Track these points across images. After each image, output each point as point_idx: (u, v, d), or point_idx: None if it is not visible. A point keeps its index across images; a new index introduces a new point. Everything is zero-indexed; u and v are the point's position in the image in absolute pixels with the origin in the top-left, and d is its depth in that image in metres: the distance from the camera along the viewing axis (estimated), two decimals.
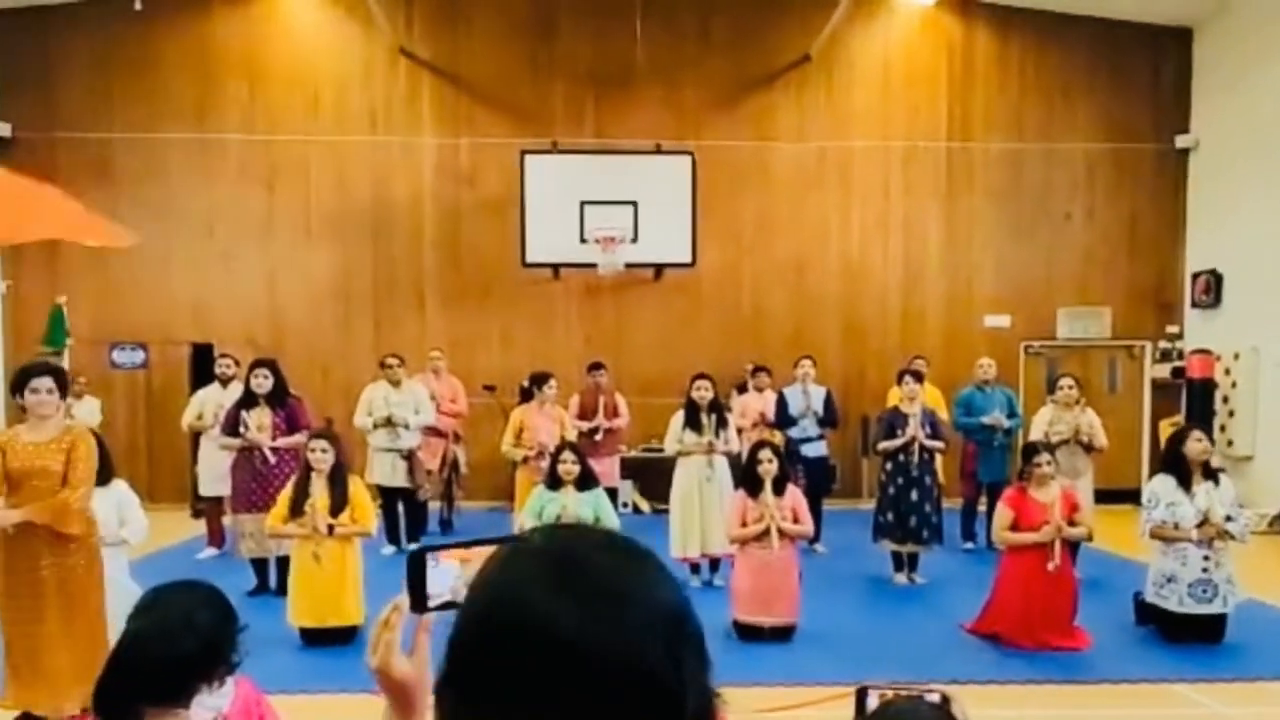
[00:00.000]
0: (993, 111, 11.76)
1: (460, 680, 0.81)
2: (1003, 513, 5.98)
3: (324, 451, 5.88)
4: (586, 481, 6.06)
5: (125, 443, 10.99)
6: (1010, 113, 11.77)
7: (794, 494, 6.16)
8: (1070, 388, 7.59)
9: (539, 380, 8.31)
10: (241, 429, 6.96)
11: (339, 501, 5.83)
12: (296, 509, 5.82)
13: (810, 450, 8.58)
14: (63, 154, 11.22)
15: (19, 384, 4.39)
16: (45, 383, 4.34)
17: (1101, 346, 11.62)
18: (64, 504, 4.26)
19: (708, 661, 0.84)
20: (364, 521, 5.92)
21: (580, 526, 0.92)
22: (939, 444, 7.37)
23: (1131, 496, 10.61)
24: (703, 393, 7.24)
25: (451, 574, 1.08)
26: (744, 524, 6.01)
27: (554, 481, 6.08)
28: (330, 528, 5.76)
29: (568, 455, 6.07)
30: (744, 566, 6.03)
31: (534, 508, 6.06)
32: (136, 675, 1.88)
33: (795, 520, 6.03)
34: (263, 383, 7.00)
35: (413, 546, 8.47)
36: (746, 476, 6.12)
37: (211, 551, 8.39)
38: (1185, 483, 5.83)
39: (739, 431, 7.78)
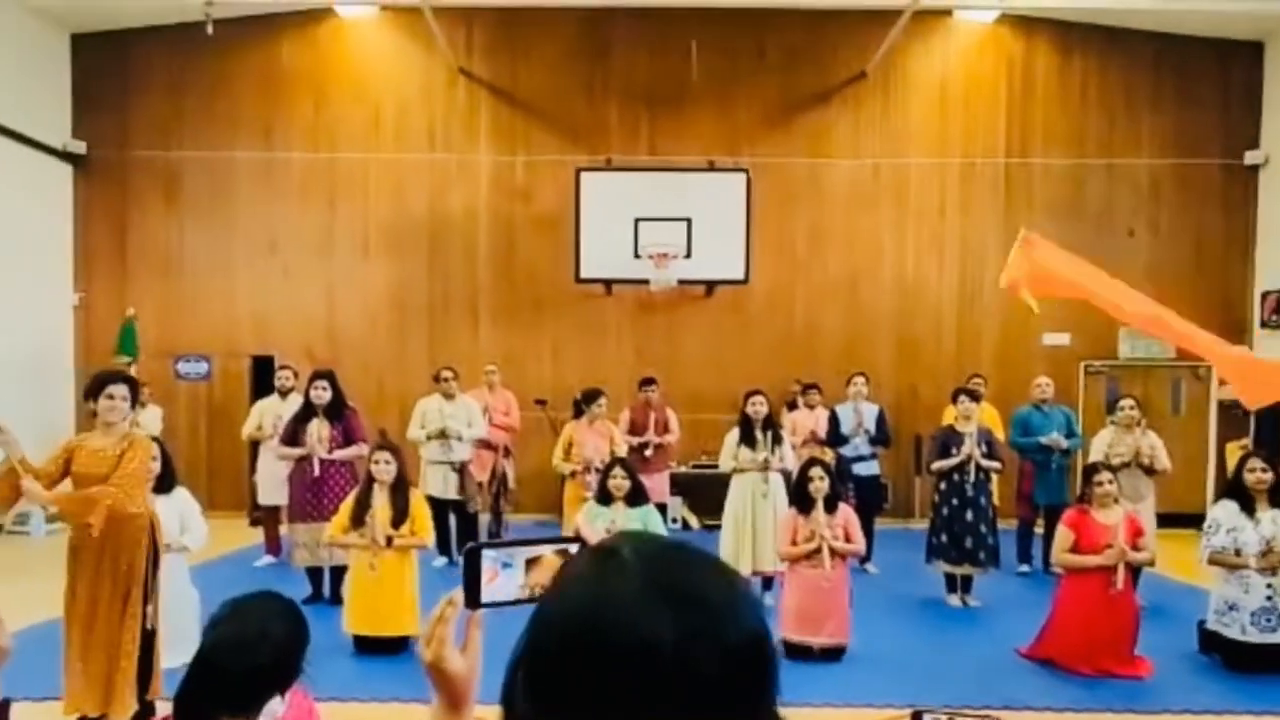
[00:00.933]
0: (1053, 127, 11.59)
1: (542, 690, 0.79)
2: (1063, 534, 5.86)
3: (387, 463, 5.98)
4: (637, 497, 6.07)
5: (187, 452, 11.29)
6: (1072, 128, 11.58)
7: (845, 512, 6.11)
8: (1131, 409, 7.42)
9: (589, 398, 8.38)
10: (304, 438, 7.09)
11: (400, 513, 5.92)
12: (358, 520, 5.92)
13: (862, 469, 8.51)
14: (134, 172, 11.61)
15: (94, 389, 4.56)
16: (120, 390, 4.49)
17: (1165, 366, 11.32)
18: (87, 495, 4.34)
19: (778, 683, 0.83)
20: (422, 534, 6.00)
21: (662, 537, 0.91)
22: (995, 464, 7.25)
23: (1195, 521, 10.25)
24: (758, 408, 7.21)
25: (511, 575, 1.10)
26: (794, 542, 5.98)
27: (604, 497, 6.10)
28: (389, 540, 5.85)
29: (618, 471, 6.09)
30: (794, 585, 5.99)
31: (584, 523, 6.09)
32: (214, 684, 1.94)
33: (847, 539, 5.98)
34: (321, 394, 7.13)
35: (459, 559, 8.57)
36: (797, 494, 6.10)
37: (269, 559, 8.56)
38: (1249, 508, 5.66)
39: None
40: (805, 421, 8.87)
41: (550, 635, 0.80)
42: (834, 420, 8.54)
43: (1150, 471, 7.29)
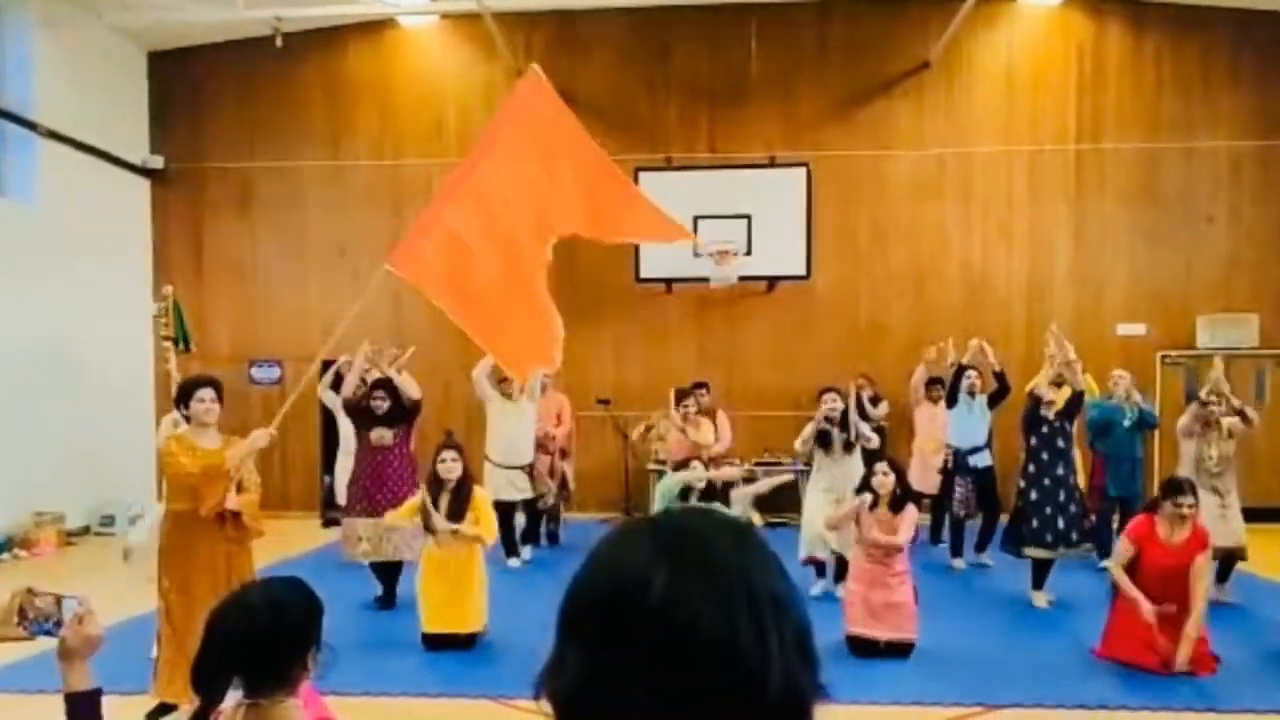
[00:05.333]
0: (1125, 110, 11.24)
1: (563, 628, 0.86)
2: (1125, 548, 5.66)
3: (454, 461, 6.08)
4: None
5: (261, 454, 11.57)
6: (1145, 111, 11.22)
7: (908, 514, 5.99)
8: (1216, 403, 7.09)
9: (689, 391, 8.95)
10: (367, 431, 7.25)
11: (459, 511, 6.00)
12: (429, 518, 6.03)
13: (978, 460, 8.37)
14: (210, 183, 11.99)
15: (184, 395, 4.91)
16: (208, 393, 4.85)
17: (1248, 355, 10.89)
18: (254, 503, 4.77)
19: (809, 654, 0.85)
20: (486, 528, 6.06)
21: (706, 508, 0.97)
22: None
23: None
24: (833, 406, 7.20)
25: None
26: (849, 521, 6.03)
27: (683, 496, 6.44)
28: (453, 530, 5.93)
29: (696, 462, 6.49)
30: (856, 576, 5.95)
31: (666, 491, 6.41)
32: (218, 647, 2.00)
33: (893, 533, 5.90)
34: (380, 404, 7.22)
35: (527, 553, 8.65)
36: (864, 489, 6.04)
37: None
38: None
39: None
40: (935, 418, 8.80)
41: (573, 581, 0.88)
42: (955, 377, 8.39)
43: (1245, 420, 6.97)
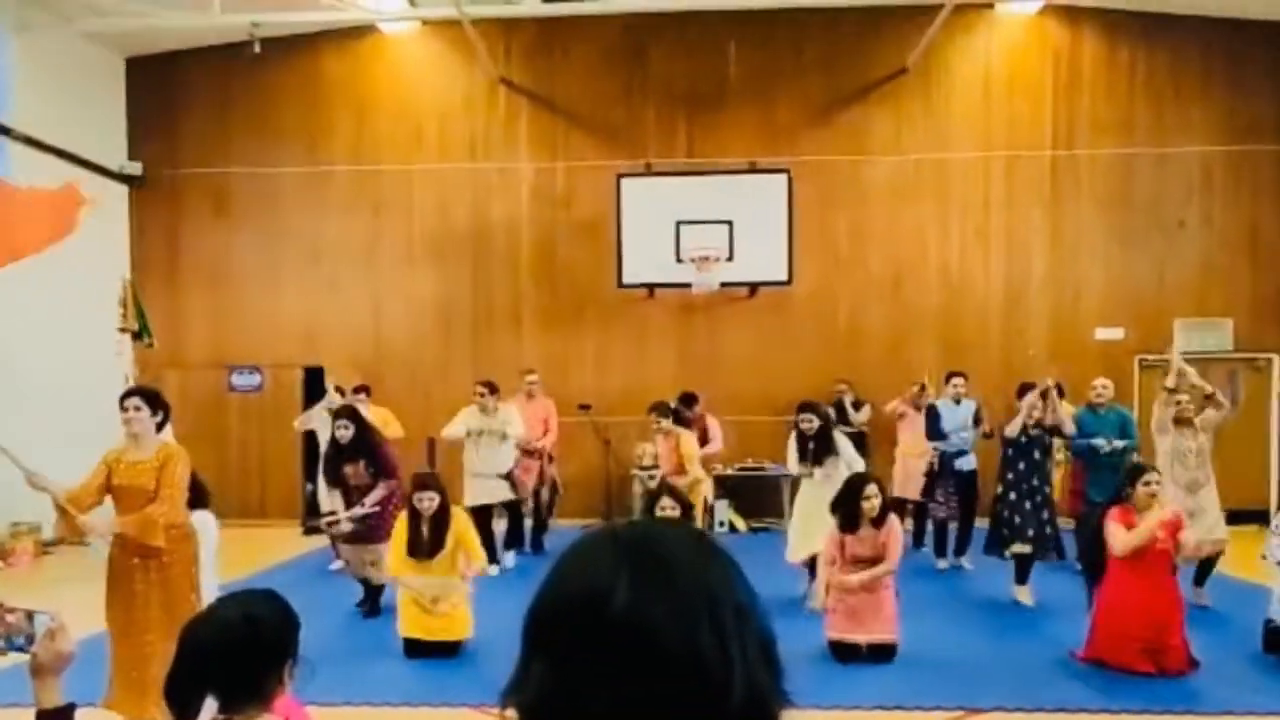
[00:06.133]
0: (1100, 116, 11.37)
1: (528, 640, 0.87)
2: (1116, 528, 5.73)
3: (431, 499, 6.06)
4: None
5: (239, 462, 11.54)
6: (1119, 117, 11.36)
7: (891, 525, 5.96)
8: (1186, 400, 7.20)
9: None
10: (344, 476, 7.03)
11: (438, 543, 6.00)
12: (411, 550, 6.00)
13: (963, 464, 8.54)
14: (186, 189, 11.89)
15: (120, 403, 4.71)
16: (133, 401, 4.65)
17: (1223, 359, 11.03)
18: (147, 517, 4.46)
19: (773, 662, 0.86)
20: (475, 559, 6.10)
21: (669, 520, 0.97)
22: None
23: (1257, 517, 10.06)
24: (809, 425, 7.10)
25: None
26: (832, 560, 5.94)
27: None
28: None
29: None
30: (841, 585, 5.94)
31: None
32: (191, 661, 1.98)
33: (885, 551, 5.88)
34: (344, 433, 6.94)
35: (510, 559, 8.62)
36: (846, 511, 5.95)
37: (340, 564, 8.61)
38: None
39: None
40: (918, 424, 8.88)
41: (538, 593, 0.89)
42: (933, 415, 8.58)
43: (1213, 402, 7.10)
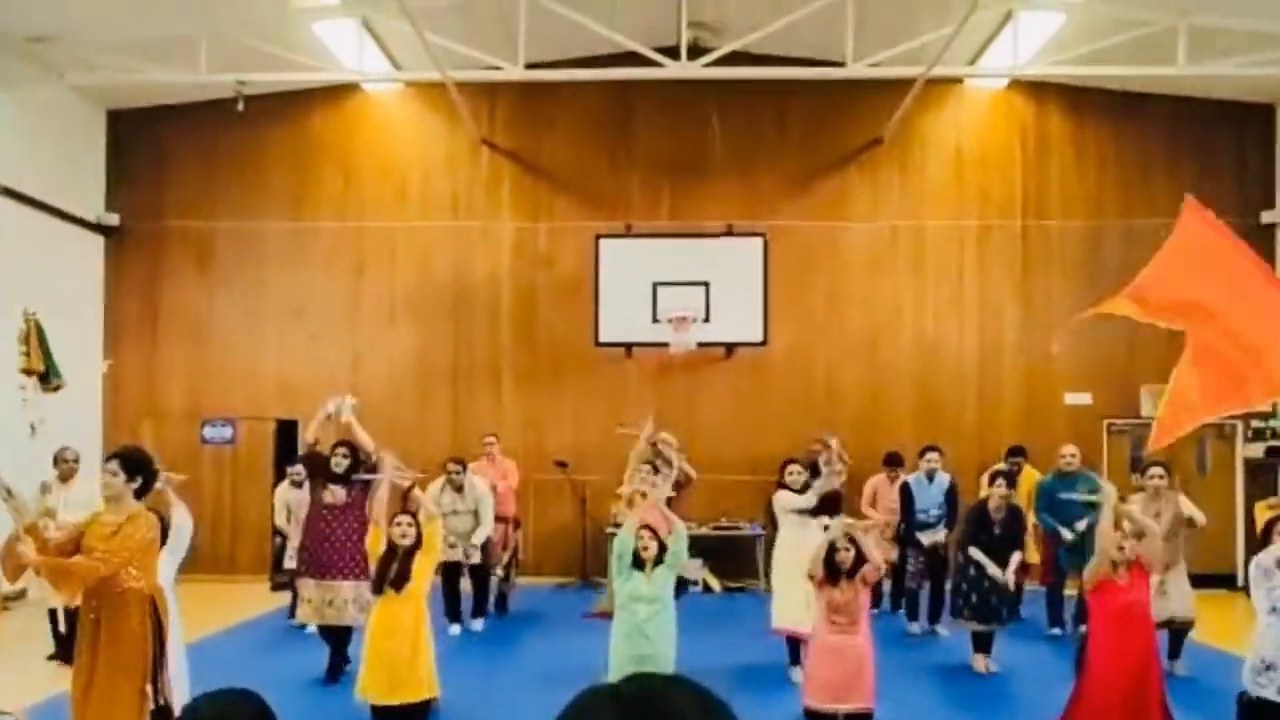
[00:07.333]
0: (1069, 190, 11.69)
1: None
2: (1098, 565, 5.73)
3: (409, 526, 6.01)
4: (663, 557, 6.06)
5: (210, 516, 11.36)
6: (1088, 190, 11.68)
7: (866, 574, 5.99)
8: (1160, 477, 7.27)
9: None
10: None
11: (404, 577, 5.94)
12: (381, 583, 5.92)
13: (928, 537, 8.61)
14: (168, 242, 11.91)
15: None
16: (110, 465, 4.62)
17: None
18: (65, 565, 4.38)
19: None
20: (430, 536, 5.99)
21: (671, 675, 0.95)
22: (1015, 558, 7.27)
23: (1224, 582, 10.15)
24: (794, 478, 7.15)
25: None
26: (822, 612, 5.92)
27: (637, 563, 6.04)
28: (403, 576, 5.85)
29: (644, 534, 5.92)
30: (820, 651, 5.89)
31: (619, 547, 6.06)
32: None
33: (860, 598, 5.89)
34: (341, 461, 7.19)
35: (477, 624, 8.51)
36: (827, 565, 5.96)
37: (299, 617, 8.45)
38: None
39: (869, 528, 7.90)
40: (887, 493, 8.97)
41: None
42: (907, 494, 8.64)
43: (1191, 525, 7.18)
